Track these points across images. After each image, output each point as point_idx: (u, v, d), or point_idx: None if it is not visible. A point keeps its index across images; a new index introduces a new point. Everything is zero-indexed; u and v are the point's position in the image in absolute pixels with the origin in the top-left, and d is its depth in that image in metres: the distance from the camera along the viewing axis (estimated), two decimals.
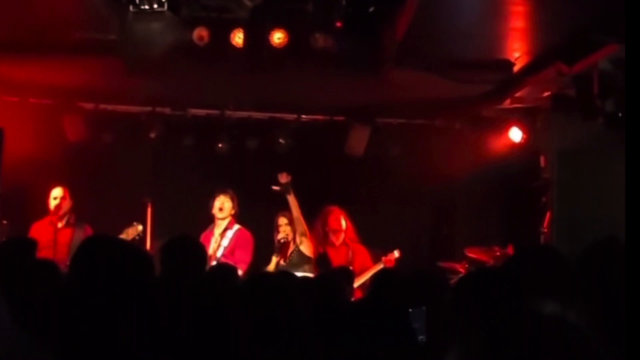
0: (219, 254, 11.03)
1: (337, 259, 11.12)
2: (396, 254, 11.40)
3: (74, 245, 10.39)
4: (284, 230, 11.19)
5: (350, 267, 10.57)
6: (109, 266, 3.69)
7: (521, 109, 11.91)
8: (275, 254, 11.07)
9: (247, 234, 11.21)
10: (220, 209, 11.22)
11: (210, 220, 11.37)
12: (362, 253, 11.56)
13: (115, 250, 3.79)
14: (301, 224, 11.11)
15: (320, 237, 11.54)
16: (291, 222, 11.18)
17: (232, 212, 11.28)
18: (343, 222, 11.60)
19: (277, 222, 11.30)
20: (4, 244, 7.97)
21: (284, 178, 11.14)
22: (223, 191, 11.28)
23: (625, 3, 5.32)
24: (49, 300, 4.35)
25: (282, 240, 11.10)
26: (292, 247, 11.14)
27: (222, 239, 11.15)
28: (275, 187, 11.10)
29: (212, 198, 11.29)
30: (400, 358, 5.32)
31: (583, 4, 7.93)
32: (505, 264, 4.01)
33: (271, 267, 10.92)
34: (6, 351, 3.48)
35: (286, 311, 4.16)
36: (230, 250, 11.08)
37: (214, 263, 10.62)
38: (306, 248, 11.07)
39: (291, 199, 11.05)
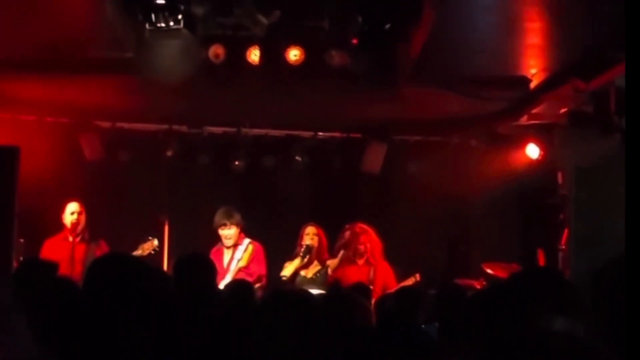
0: (232, 267, 11.02)
1: (357, 278, 11.00)
2: (417, 277, 11.28)
3: (88, 260, 10.42)
4: (311, 238, 11.15)
5: (371, 286, 10.49)
6: (122, 284, 3.68)
7: (538, 125, 11.86)
8: (300, 257, 11.01)
9: (259, 247, 11.21)
10: (228, 238, 11.19)
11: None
12: (386, 271, 11.46)
13: (128, 268, 3.79)
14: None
15: (346, 256, 11.48)
16: (320, 237, 11.16)
17: (238, 232, 11.24)
18: (369, 243, 11.53)
19: (304, 231, 11.24)
20: (24, 263, 7.96)
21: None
22: (227, 217, 11.20)
23: (626, 17, 5.30)
24: (66, 318, 4.35)
25: (309, 245, 11.04)
26: (319, 266, 11.12)
27: (234, 252, 11.14)
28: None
29: (217, 226, 11.22)
30: None
31: (599, 21, 7.91)
32: (510, 281, 3.98)
33: (290, 269, 10.92)
34: None
35: (306, 330, 4.14)
36: (245, 265, 11.07)
37: (228, 277, 10.69)
38: (315, 269, 11.12)
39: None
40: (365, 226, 11.53)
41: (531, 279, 3.84)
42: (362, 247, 11.38)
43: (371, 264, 11.41)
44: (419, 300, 6.80)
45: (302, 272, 11.07)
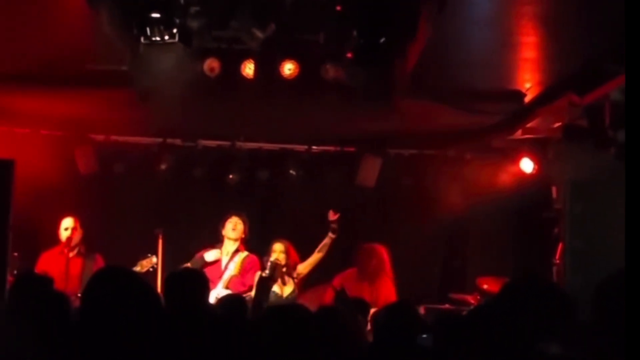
0: (225, 277, 11.00)
1: (360, 295, 10.95)
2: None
3: (85, 275, 10.44)
4: (278, 255, 10.95)
5: (373, 308, 10.38)
6: (119, 298, 3.68)
7: (532, 139, 11.86)
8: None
9: (255, 259, 11.20)
10: (234, 229, 11.19)
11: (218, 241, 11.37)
12: (388, 290, 11.45)
13: (125, 282, 3.78)
14: (310, 267, 11.19)
15: (359, 275, 11.49)
16: (287, 252, 10.97)
17: (243, 235, 11.26)
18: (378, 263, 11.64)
19: (272, 247, 11.07)
20: (20, 278, 7.93)
21: (332, 216, 11.18)
22: (237, 213, 11.29)
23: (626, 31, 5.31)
24: (61, 333, 4.35)
25: (277, 262, 10.84)
26: (293, 286, 10.97)
27: (229, 262, 11.13)
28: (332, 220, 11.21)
29: (225, 219, 11.26)
30: None
31: (594, 35, 7.92)
32: (502, 296, 3.95)
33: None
34: None
35: (299, 345, 4.13)
36: (238, 275, 11.04)
37: (220, 285, 10.85)
38: (289, 288, 10.96)
39: (329, 239, 11.07)
40: (374, 246, 11.60)
41: (525, 293, 3.82)
42: (370, 268, 11.45)
43: (375, 285, 11.40)
44: (412, 314, 6.76)
45: (277, 290, 10.82)
